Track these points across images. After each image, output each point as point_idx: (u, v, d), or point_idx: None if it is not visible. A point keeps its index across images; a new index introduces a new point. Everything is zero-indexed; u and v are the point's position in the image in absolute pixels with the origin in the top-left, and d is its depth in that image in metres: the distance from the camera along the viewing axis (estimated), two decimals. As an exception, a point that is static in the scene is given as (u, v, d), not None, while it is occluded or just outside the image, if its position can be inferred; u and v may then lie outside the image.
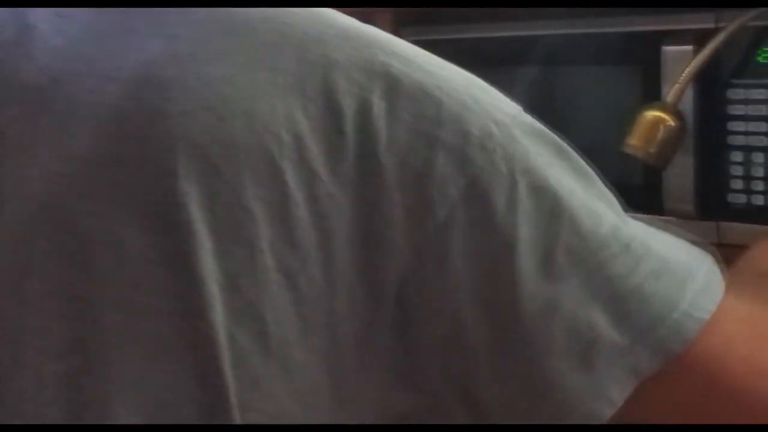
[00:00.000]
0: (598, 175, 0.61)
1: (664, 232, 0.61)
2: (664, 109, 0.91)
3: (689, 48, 0.92)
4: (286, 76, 0.49)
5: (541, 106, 1.11)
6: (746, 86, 0.92)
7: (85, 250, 0.48)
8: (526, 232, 0.50)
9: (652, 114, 0.91)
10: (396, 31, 1.20)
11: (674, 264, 0.56)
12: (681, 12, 0.94)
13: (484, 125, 0.51)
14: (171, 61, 0.49)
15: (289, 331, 0.48)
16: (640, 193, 1.00)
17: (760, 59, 0.91)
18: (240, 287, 0.47)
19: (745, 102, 0.92)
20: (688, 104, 0.93)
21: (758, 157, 0.91)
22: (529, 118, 0.56)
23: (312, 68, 0.49)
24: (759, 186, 0.91)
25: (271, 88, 0.48)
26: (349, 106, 0.49)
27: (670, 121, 0.90)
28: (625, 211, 1.01)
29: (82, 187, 0.49)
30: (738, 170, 0.93)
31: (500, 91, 1.14)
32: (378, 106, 0.49)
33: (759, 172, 0.91)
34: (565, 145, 0.57)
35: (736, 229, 0.94)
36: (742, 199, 0.93)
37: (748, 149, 0.92)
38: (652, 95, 0.95)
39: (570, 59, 1.06)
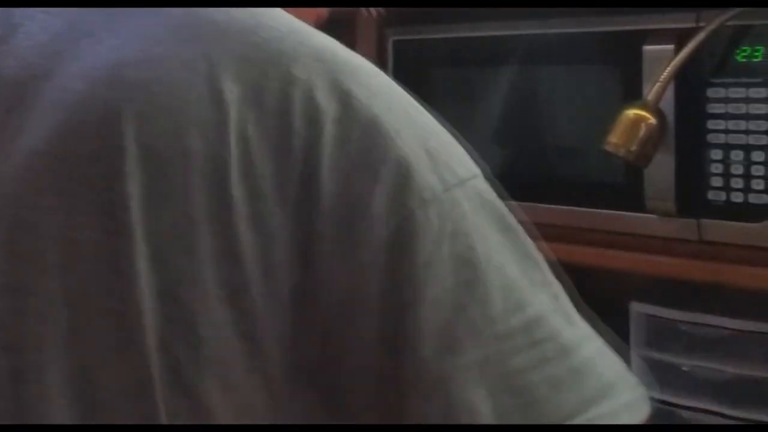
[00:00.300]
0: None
1: (609, 351, 0.56)
2: (644, 107, 0.92)
3: (670, 47, 0.93)
4: (247, 87, 0.48)
5: (523, 105, 1.12)
6: (726, 85, 0.92)
7: (38, 245, 0.48)
8: (433, 293, 0.48)
9: (633, 113, 0.91)
10: (381, 31, 1.21)
11: (589, 380, 0.51)
12: (662, 12, 0.95)
13: (428, 178, 0.49)
14: (142, 63, 0.49)
15: (228, 349, 0.47)
16: (622, 191, 1.01)
17: (739, 58, 0.92)
18: (178, 296, 0.47)
19: (725, 101, 0.93)
20: (668, 103, 0.94)
21: (737, 155, 0.92)
22: (483, 185, 0.53)
23: (274, 83, 0.48)
24: (738, 183, 0.92)
25: (230, 97, 0.47)
26: (301, 126, 0.47)
27: (651, 120, 0.91)
28: (607, 209, 1.03)
29: (39, 182, 0.49)
30: (718, 168, 0.93)
31: (484, 90, 1.15)
32: (329, 131, 0.48)
33: (738, 169, 0.92)
34: (514, 224, 0.53)
35: (716, 227, 0.94)
36: (721, 196, 0.93)
37: (727, 147, 0.93)
38: (633, 94, 0.95)
39: (552, 59, 1.07)
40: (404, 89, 1.25)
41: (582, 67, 1.04)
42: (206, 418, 0.47)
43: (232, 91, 0.48)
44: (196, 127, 0.47)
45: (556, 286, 0.54)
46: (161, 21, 0.51)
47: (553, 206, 1.06)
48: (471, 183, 0.52)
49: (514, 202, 0.53)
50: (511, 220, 0.53)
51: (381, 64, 1.23)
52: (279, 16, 0.53)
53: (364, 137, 0.49)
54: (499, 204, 0.53)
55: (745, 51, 0.92)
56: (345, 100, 0.49)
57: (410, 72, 1.19)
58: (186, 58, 0.49)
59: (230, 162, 0.47)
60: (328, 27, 0.60)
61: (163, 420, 0.47)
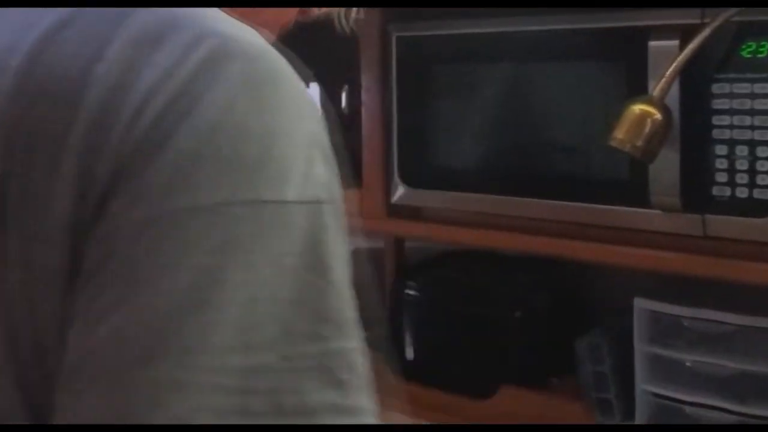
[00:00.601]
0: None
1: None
2: (650, 102, 0.91)
3: (675, 43, 0.93)
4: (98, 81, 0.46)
5: (526, 101, 1.12)
6: (731, 80, 0.92)
7: None
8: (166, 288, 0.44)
9: (639, 108, 0.91)
10: (384, 28, 1.21)
11: None
12: (667, 8, 0.94)
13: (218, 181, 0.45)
14: (52, 54, 0.48)
15: None
16: (626, 187, 1.01)
17: (744, 54, 0.92)
18: None
19: (730, 96, 0.92)
20: (673, 99, 0.93)
21: (742, 151, 0.92)
22: (314, 216, 0.47)
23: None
24: (743, 179, 0.92)
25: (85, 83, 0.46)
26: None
27: (657, 115, 0.90)
28: (611, 205, 1.02)
29: None
30: (723, 163, 0.93)
31: (487, 86, 1.15)
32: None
33: (743, 165, 0.92)
34: (333, 269, 0.47)
35: (720, 222, 0.94)
36: (726, 191, 0.93)
37: (732, 143, 0.92)
38: (638, 90, 0.95)
39: (556, 55, 1.06)
40: (407, 85, 1.25)
41: (587, 63, 1.04)
42: None
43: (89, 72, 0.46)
44: (44, 104, 0.47)
45: (338, 344, 0.48)
46: (91, 17, 0.50)
47: (557, 202, 1.06)
48: (286, 206, 0.46)
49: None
50: (334, 265, 0.47)
51: (384, 60, 1.24)
52: (204, 15, 0.50)
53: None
54: (329, 246, 0.47)
55: (750, 47, 0.91)
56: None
57: (413, 68, 1.18)
58: (77, 53, 0.47)
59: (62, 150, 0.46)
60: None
61: None
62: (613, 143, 0.92)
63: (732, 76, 0.92)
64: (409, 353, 1.30)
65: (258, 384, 0.44)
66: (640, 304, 1.09)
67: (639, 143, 0.91)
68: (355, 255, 1.50)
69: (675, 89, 0.93)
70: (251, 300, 0.44)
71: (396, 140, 1.20)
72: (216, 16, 0.50)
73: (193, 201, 0.44)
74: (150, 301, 0.43)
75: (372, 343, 1.48)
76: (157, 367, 0.42)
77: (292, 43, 0.58)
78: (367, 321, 1.58)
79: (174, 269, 0.43)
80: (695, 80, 0.93)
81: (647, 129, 0.91)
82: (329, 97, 1.28)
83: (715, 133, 0.93)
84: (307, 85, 0.54)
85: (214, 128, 0.44)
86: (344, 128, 1.27)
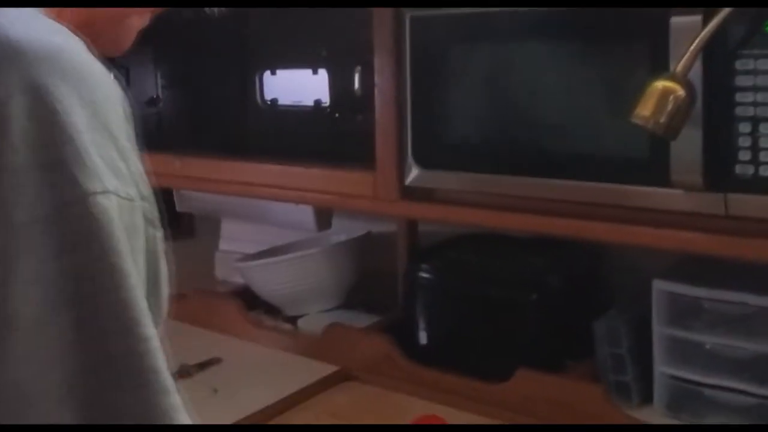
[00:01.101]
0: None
1: None
2: (673, 79, 0.89)
3: (698, 19, 0.90)
4: None
5: (545, 80, 1.09)
6: (754, 57, 0.89)
7: None
8: None
9: (662, 84, 0.88)
10: (398, 9, 1.18)
11: None
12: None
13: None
14: None
15: None
16: (647, 166, 0.98)
17: (767, 29, 0.89)
18: None
19: (753, 73, 0.90)
20: (695, 75, 0.91)
21: (766, 128, 0.89)
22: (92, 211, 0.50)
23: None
24: (767, 156, 0.89)
25: None
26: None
27: (680, 91, 0.88)
28: (632, 184, 1.00)
29: None
30: (746, 141, 0.90)
31: (502, 66, 1.12)
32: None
33: (767, 143, 0.89)
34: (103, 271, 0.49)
35: (743, 201, 0.91)
36: (749, 170, 0.90)
37: (756, 120, 0.90)
38: (660, 68, 0.92)
39: (576, 34, 1.04)
40: (421, 66, 1.22)
41: (608, 42, 1.01)
42: None
43: None
44: None
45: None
46: None
47: (575, 182, 1.03)
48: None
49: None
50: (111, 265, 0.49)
51: (397, 41, 1.21)
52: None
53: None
54: (113, 244, 0.49)
55: (773, 22, 0.89)
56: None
57: (427, 49, 1.16)
58: None
59: None
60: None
61: None
62: (636, 120, 0.90)
63: (756, 52, 0.89)
64: (423, 337, 1.28)
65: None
66: (659, 285, 1.07)
67: (662, 120, 0.89)
68: (368, 239, 1.49)
69: (697, 66, 0.90)
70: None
71: (410, 122, 1.17)
72: (16, 16, 0.53)
73: None
74: None
75: (386, 327, 1.47)
76: None
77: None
78: (381, 306, 1.56)
79: None
80: (718, 57, 0.91)
81: (670, 105, 0.89)
82: (342, 79, 1.26)
83: (738, 111, 0.91)
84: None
85: None
86: (357, 110, 1.25)
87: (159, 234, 0.56)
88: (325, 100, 1.27)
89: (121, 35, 0.67)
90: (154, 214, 0.56)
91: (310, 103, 1.28)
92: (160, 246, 0.57)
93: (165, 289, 0.57)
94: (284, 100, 1.32)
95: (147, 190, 0.56)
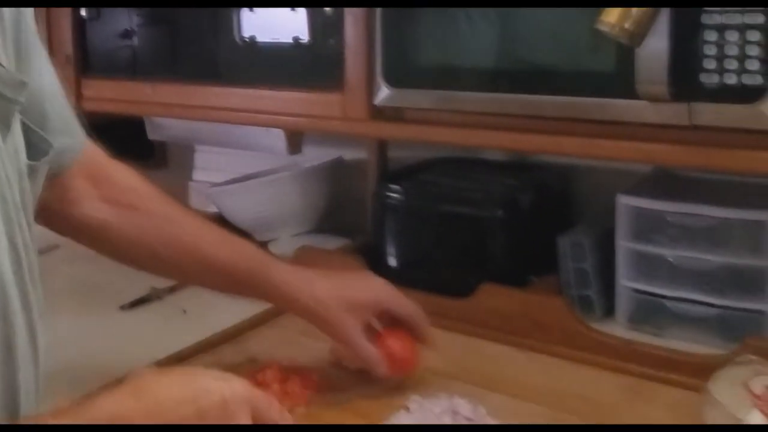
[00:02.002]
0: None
1: None
2: (640, -16, 0.86)
3: (665, -76, 0.88)
4: None
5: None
6: (722, -37, 0.87)
7: None
8: None
9: (628, -10, 0.86)
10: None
11: None
12: None
13: None
14: None
15: None
16: (613, 78, 0.96)
17: (735, -65, 0.87)
18: None
19: (720, -22, 0.87)
20: (662, -17, 0.88)
21: (732, 36, 0.87)
22: None
23: None
24: (732, 65, 0.87)
25: None
26: None
27: (646, -3, 0.86)
28: (597, 96, 0.98)
29: None
30: (711, 50, 0.88)
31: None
32: None
33: (733, 51, 0.87)
34: None
35: (707, 110, 0.90)
36: (714, 79, 0.89)
37: (721, 28, 0.88)
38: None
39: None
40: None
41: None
42: None
43: None
44: None
45: None
46: None
47: (545, 97, 1.01)
48: None
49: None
50: None
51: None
52: None
53: None
54: None
55: (743, -72, 0.86)
56: None
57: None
58: None
59: None
60: None
61: None
62: (601, 27, 0.88)
63: (723, -42, 0.87)
64: (392, 257, 1.26)
65: None
66: (623, 200, 1.06)
67: (627, 26, 0.87)
68: (340, 164, 1.46)
69: (664, -28, 0.88)
70: None
71: (379, 41, 1.15)
72: None
73: None
74: None
75: (355, 249, 1.45)
76: None
77: None
78: (351, 230, 1.54)
79: None
80: (685, -37, 0.88)
81: (635, 12, 0.87)
82: (321, 14, 1.23)
83: (704, 19, 0.88)
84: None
85: None
86: (330, 35, 1.22)
87: None
88: (304, 37, 1.23)
89: None
90: None
91: (289, 40, 1.24)
92: None
93: None
94: (262, 37, 1.28)
95: None
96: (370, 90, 1.16)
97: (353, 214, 1.45)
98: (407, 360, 0.95)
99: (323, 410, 0.92)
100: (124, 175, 0.95)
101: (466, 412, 0.89)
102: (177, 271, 0.95)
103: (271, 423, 0.69)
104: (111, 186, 0.93)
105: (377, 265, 1.26)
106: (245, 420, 0.66)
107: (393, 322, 0.96)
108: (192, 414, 0.64)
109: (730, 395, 0.82)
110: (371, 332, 0.95)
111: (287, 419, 0.72)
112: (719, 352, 0.97)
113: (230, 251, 0.92)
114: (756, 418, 0.77)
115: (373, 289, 0.94)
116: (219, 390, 0.66)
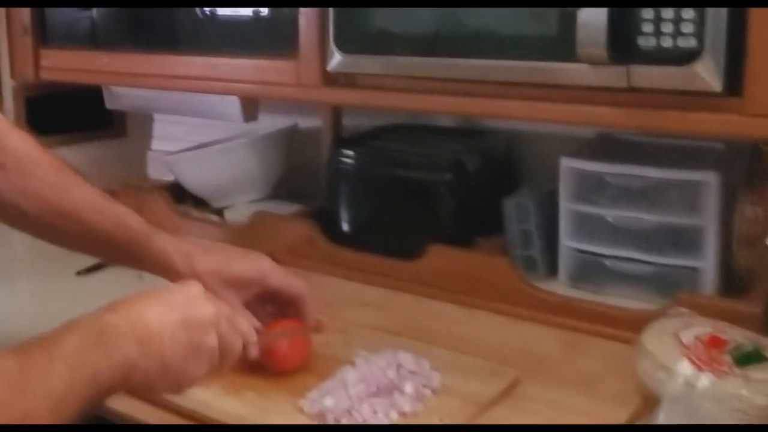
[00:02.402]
0: None
1: None
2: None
3: None
4: None
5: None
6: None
7: None
8: None
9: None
10: None
11: None
12: None
13: None
14: None
15: None
16: (554, 41, 0.97)
17: None
18: None
19: (658, -58, 0.89)
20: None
21: (668, -1, 0.89)
22: None
23: None
24: (668, 28, 0.89)
25: None
26: None
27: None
28: (538, 60, 1.00)
29: None
30: (648, 13, 0.90)
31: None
32: None
33: (668, 14, 0.89)
34: None
35: (645, 72, 0.92)
36: (651, 41, 0.90)
37: (659, -10, 0.89)
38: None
39: None
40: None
41: None
42: None
43: None
44: None
45: None
46: None
47: (490, 61, 1.02)
48: None
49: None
50: None
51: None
52: None
53: None
54: None
55: None
56: None
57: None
58: None
59: None
60: None
61: None
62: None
63: None
64: (344, 222, 1.27)
65: None
66: (566, 163, 1.08)
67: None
68: (294, 132, 1.46)
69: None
70: None
71: (332, 8, 1.15)
72: None
73: None
74: None
75: (309, 214, 1.45)
76: None
77: None
78: (306, 196, 1.54)
79: None
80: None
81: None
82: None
83: (643, -18, 0.90)
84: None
85: None
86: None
87: None
88: (264, 9, 1.23)
89: None
90: None
91: (249, 12, 1.24)
92: None
93: None
94: (223, 10, 1.27)
95: None
96: (324, 56, 1.17)
97: (308, 181, 1.45)
98: (284, 356, 0.90)
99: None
100: (19, 142, 0.94)
101: (410, 365, 0.90)
102: (60, 238, 0.94)
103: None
104: (2, 151, 0.93)
105: (331, 230, 1.28)
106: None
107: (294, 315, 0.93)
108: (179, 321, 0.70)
109: (660, 345, 0.84)
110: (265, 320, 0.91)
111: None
112: (653, 307, 1.00)
113: (113, 221, 0.92)
114: (684, 366, 0.79)
115: (257, 267, 0.91)
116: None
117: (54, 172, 0.94)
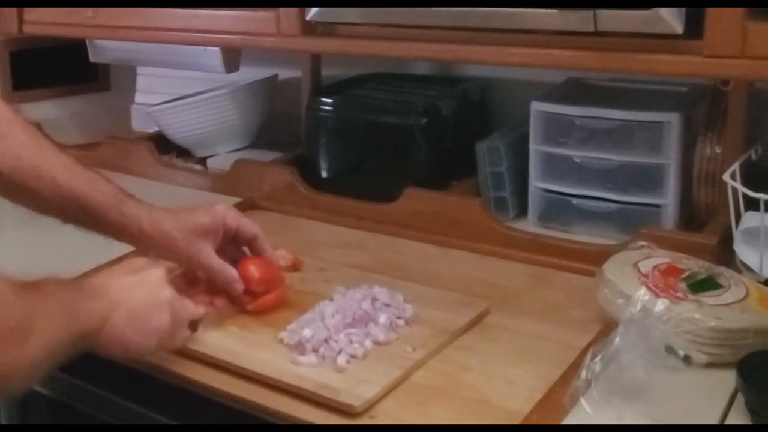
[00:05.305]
0: None
1: None
2: None
3: None
4: None
5: None
6: None
7: None
8: None
9: None
10: None
11: None
12: None
13: None
14: None
15: None
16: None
17: None
18: None
19: None
20: None
21: (632, -57, 0.90)
22: None
23: None
24: (633, -28, 0.91)
25: None
26: None
27: None
28: (505, 6, 1.01)
29: None
30: (615, -43, 0.92)
31: None
32: None
33: (633, -42, 0.91)
34: None
35: (611, 16, 0.93)
36: (616, -15, 0.92)
37: (624, -64, 0.91)
38: None
39: None
40: None
41: None
42: None
43: None
44: None
45: None
46: None
47: (461, 9, 1.03)
48: None
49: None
50: None
51: None
52: None
53: None
54: None
55: None
56: None
57: None
58: None
59: None
60: None
61: None
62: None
63: None
64: (323, 167, 1.29)
65: None
66: (536, 106, 1.10)
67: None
68: (274, 82, 1.47)
69: None
70: None
71: (310, -42, 1.16)
72: None
73: None
74: None
75: (289, 161, 1.47)
76: None
77: None
78: (286, 145, 1.55)
79: None
80: None
81: None
82: None
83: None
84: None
85: None
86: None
87: None
88: None
89: None
90: None
91: None
92: None
93: None
94: None
95: None
96: (303, 6, 1.18)
97: (288, 130, 1.47)
98: (266, 279, 0.95)
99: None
100: None
101: (384, 298, 0.93)
102: (32, 199, 0.93)
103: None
104: None
105: (310, 176, 1.30)
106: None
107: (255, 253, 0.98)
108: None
109: (620, 274, 0.87)
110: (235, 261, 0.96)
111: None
112: (617, 242, 1.03)
113: (87, 184, 0.92)
114: (642, 293, 0.82)
115: (217, 213, 0.94)
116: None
117: (29, 135, 0.92)
